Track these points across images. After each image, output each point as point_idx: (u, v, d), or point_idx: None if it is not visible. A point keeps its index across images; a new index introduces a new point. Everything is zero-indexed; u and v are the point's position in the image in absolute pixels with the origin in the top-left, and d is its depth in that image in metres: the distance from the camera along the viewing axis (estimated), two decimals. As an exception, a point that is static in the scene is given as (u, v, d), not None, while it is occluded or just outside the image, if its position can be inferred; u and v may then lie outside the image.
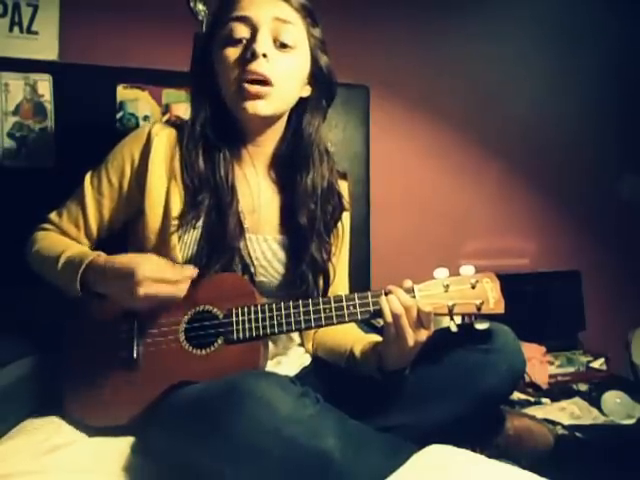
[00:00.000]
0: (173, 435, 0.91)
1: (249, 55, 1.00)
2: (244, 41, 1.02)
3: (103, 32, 1.61)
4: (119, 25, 1.63)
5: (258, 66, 1.00)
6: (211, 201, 1.05)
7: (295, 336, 1.20)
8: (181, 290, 0.97)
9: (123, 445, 0.98)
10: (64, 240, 1.11)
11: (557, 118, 2.21)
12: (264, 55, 1.00)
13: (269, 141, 1.13)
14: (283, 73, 1.03)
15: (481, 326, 0.97)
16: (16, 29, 1.52)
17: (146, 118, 1.51)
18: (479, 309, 0.97)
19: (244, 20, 1.02)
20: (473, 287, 0.97)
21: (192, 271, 0.99)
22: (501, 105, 2.13)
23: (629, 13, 2.24)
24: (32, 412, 1.06)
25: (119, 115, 1.49)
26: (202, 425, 0.85)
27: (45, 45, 1.53)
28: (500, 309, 0.97)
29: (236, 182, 1.09)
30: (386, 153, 1.93)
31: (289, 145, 1.13)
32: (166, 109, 1.54)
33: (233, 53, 1.02)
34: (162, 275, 0.95)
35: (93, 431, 1.01)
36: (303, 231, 1.10)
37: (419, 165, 2.06)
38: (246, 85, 1.01)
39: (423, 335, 0.95)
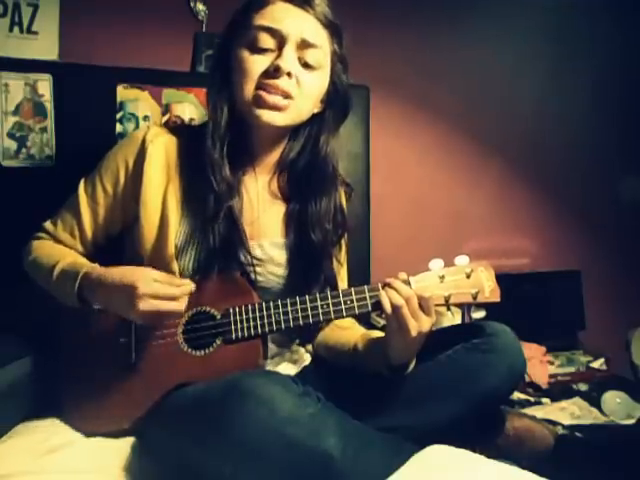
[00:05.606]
0: (173, 435, 0.91)
1: (272, 69, 0.99)
2: (269, 52, 1.00)
3: (103, 32, 1.60)
4: (119, 25, 1.63)
5: (280, 83, 0.99)
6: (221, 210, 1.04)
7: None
8: (180, 305, 0.95)
9: (123, 445, 0.99)
10: (58, 250, 1.09)
11: (558, 117, 2.21)
12: (288, 74, 0.99)
13: (273, 151, 1.12)
14: (304, 90, 1.02)
15: (477, 315, 0.97)
16: (16, 29, 1.51)
17: (146, 118, 1.51)
18: (475, 298, 0.97)
19: (272, 32, 1.00)
20: (468, 277, 0.97)
21: (190, 286, 0.96)
22: (501, 105, 2.13)
23: (630, 14, 2.24)
24: (32, 412, 1.07)
25: (119, 115, 1.49)
26: (202, 425, 0.85)
27: (45, 45, 1.53)
28: (496, 297, 0.98)
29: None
30: (386, 152, 1.92)
31: (301, 160, 1.12)
32: (166, 109, 1.54)
33: (255, 62, 1.00)
34: (162, 292, 0.92)
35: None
36: (316, 250, 1.10)
37: (419, 164, 2.06)
38: (263, 94, 0.99)
39: (426, 324, 0.95)
